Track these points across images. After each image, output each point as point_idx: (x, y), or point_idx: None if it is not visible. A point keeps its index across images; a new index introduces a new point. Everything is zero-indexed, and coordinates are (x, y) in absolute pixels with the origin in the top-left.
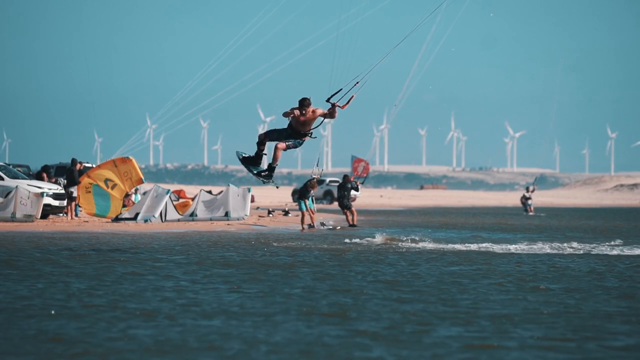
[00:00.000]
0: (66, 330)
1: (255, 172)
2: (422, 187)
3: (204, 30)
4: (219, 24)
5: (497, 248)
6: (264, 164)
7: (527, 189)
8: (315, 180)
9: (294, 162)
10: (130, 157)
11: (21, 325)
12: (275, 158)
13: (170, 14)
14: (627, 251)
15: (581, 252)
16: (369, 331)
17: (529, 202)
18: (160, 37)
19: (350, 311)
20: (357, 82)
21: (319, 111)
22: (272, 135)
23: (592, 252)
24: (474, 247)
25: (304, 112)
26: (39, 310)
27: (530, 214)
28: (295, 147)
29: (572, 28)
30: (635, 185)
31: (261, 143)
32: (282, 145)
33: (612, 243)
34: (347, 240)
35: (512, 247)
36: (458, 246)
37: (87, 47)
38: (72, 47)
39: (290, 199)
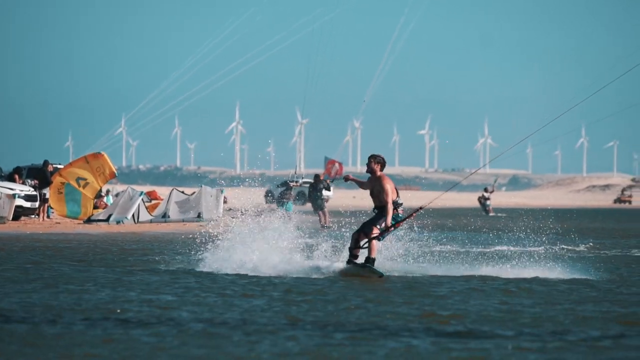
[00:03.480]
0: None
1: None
2: None
3: (178, 28)
4: (193, 23)
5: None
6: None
7: (486, 189)
8: (292, 190)
9: (267, 163)
10: (102, 153)
11: None
12: (371, 250)
13: (140, 16)
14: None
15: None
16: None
17: (488, 202)
18: (132, 38)
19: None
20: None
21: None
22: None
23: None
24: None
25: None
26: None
27: (491, 214)
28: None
29: (544, 28)
30: (607, 186)
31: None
32: (375, 230)
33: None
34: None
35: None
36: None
37: (55, 48)
38: (41, 48)
39: (263, 200)
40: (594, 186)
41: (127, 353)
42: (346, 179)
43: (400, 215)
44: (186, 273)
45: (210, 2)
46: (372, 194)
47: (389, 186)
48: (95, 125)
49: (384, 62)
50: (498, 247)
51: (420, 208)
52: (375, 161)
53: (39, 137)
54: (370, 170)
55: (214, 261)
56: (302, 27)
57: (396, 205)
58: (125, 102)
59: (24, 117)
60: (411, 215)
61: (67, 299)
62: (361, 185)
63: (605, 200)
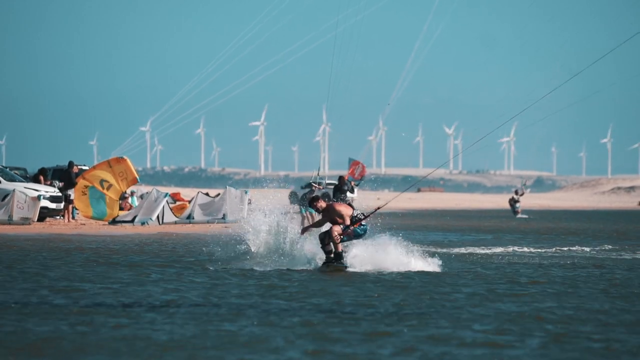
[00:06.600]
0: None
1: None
2: (419, 190)
3: (202, 33)
4: (217, 27)
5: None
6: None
7: (516, 192)
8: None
9: (291, 165)
10: (125, 157)
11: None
12: (336, 245)
13: (168, 17)
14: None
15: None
16: (355, 331)
17: (517, 205)
18: (159, 39)
19: (338, 311)
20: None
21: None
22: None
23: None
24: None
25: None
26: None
27: (518, 216)
28: (356, 237)
29: (571, 30)
30: (632, 188)
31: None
32: (337, 229)
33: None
34: None
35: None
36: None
37: (85, 49)
38: (71, 48)
39: (287, 201)
40: (619, 188)
41: None
42: (303, 231)
43: (362, 226)
44: None
45: (239, 4)
46: (332, 223)
47: (341, 208)
48: (120, 127)
49: (409, 67)
50: None
51: (378, 208)
52: (316, 200)
53: (64, 139)
54: (317, 209)
55: None
56: (328, 30)
57: (356, 219)
58: (150, 103)
59: (49, 118)
60: (369, 215)
61: None
62: (319, 225)
63: (630, 202)
